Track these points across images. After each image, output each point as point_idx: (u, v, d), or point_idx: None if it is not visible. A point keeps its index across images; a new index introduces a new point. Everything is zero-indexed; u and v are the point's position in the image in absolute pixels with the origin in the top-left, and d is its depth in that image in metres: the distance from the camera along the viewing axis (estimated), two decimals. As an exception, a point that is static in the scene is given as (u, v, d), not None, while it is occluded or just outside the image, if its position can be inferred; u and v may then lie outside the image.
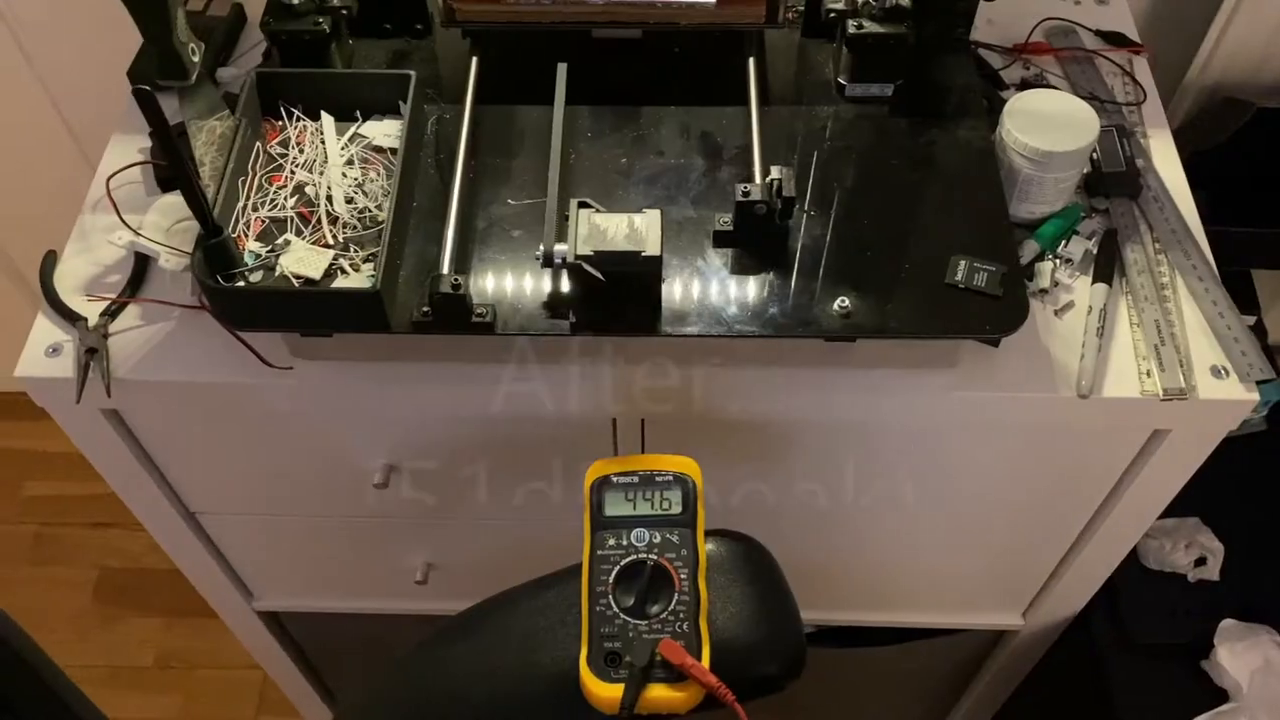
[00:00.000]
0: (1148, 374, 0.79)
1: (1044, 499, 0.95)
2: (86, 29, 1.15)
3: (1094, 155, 0.87)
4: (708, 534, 0.67)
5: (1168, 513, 0.95)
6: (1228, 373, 0.79)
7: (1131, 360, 0.80)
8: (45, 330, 0.81)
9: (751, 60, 0.83)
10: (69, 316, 0.81)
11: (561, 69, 0.79)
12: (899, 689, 1.36)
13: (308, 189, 0.76)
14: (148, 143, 0.90)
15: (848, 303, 0.72)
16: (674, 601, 0.63)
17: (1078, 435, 0.86)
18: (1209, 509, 1.11)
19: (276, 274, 0.72)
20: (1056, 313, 0.82)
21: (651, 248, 0.69)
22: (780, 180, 0.72)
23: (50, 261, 0.84)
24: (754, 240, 0.75)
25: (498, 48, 0.84)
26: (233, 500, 0.99)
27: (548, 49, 0.81)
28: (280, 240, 0.74)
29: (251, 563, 1.11)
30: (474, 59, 0.83)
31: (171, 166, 0.64)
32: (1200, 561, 1.10)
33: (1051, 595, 1.08)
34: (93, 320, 0.80)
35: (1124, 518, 0.94)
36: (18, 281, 1.52)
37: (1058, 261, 0.84)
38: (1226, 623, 1.06)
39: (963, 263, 0.74)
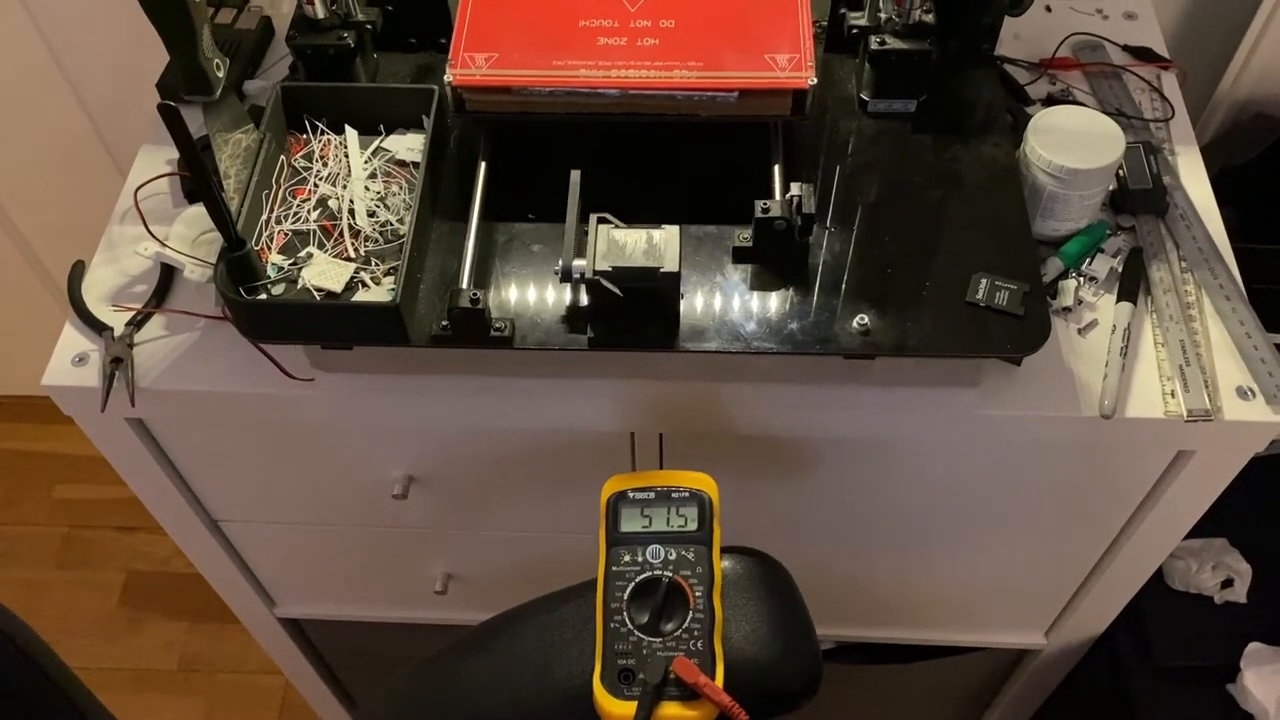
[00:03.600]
0: (1172, 395, 0.78)
1: (1066, 519, 0.94)
2: (120, 41, 1.16)
3: (1120, 172, 0.86)
4: (724, 551, 0.67)
5: (1194, 533, 0.93)
6: (1254, 394, 0.78)
7: (1156, 380, 0.79)
8: (72, 339, 0.82)
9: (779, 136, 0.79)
10: (95, 326, 0.82)
11: (575, 178, 0.73)
12: (918, 707, 1.35)
13: (330, 202, 0.77)
14: (176, 154, 0.91)
15: (867, 320, 0.72)
16: (689, 619, 0.62)
17: (1101, 455, 0.85)
18: (1236, 530, 1.09)
19: (298, 287, 0.73)
20: (1080, 331, 0.81)
21: (670, 264, 0.69)
22: (800, 197, 0.72)
23: (78, 271, 0.85)
24: (773, 257, 0.75)
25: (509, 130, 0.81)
26: (255, 509, 1.00)
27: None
28: (303, 253, 0.74)
29: (273, 570, 1.11)
30: (481, 141, 0.79)
31: (195, 180, 0.64)
32: (1227, 583, 1.08)
33: (1074, 615, 1.06)
34: (119, 330, 0.81)
35: (1148, 538, 0.93)
36: (52, 288, 1.54)
37: (1082, 279, 0.83)
38: (1253, 646, 1.04)
39: (984, 281, 0.73)
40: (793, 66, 0.75)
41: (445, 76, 0.75)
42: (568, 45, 0.76)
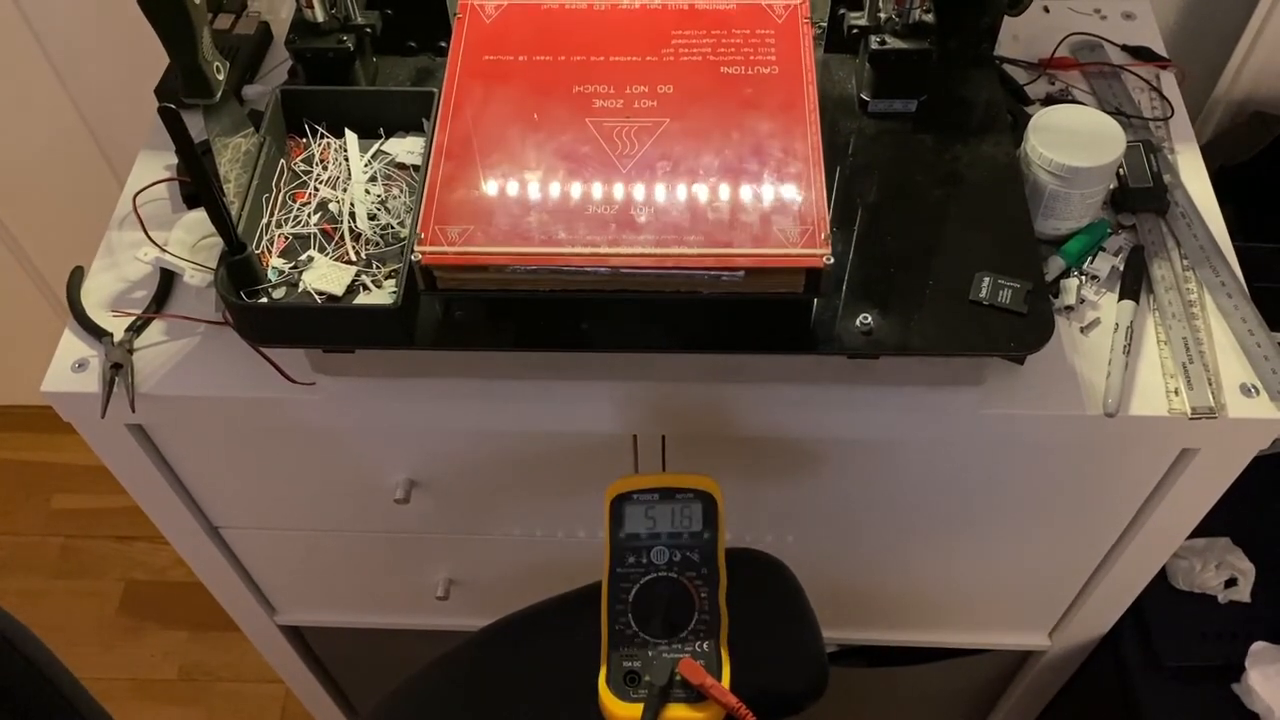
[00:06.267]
0: (1175, 392, 0.78)
1: (1070, 518, 0.93)
2: (117, 46, 1.16)
3: (1120, 171, 0.86)
4: (729, 552, 0.67)
5: (1197, 532, 0.93)
6: (1258, 391, 0.78)
7: (1159, 378, 0.79)
8: (72, 345, 0.82)
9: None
10: (95, 332, 0.81)
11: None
12: (923, 710, 1.34)
13: (331, 206, 0.77)
14: (175, 159, 0.90)
15: (870, 319, 0.72)
16: (694, 620, 0.62)
17: (1104, 454, 0.85)
18: (1240, 528, 1.09)
19: (299, 290, 0.72)
20: (1082, 330, 0.81)
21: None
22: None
23: (77, 277, 0.84)
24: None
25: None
26: (255, 515, 0.99)
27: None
28: (303, 257, 0.74)
29: (273, 577, 1.11)
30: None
31: (195, 184, 0.64)
32: (1231, 582, 1.08)
33: (1079, 616, 1.06)
34: (118, 335, 0.81)
35: (1152, 537, 0.93)
36: (49, 297, 1.54)
37: (1084, 278, 0.83)
38: (1258, 645, 1.04)
39: (987, 279, 0.73)
40: (805, 239, 0.65)
41: (413, 255, 0.66)
42: (552, 216, 0.67)
